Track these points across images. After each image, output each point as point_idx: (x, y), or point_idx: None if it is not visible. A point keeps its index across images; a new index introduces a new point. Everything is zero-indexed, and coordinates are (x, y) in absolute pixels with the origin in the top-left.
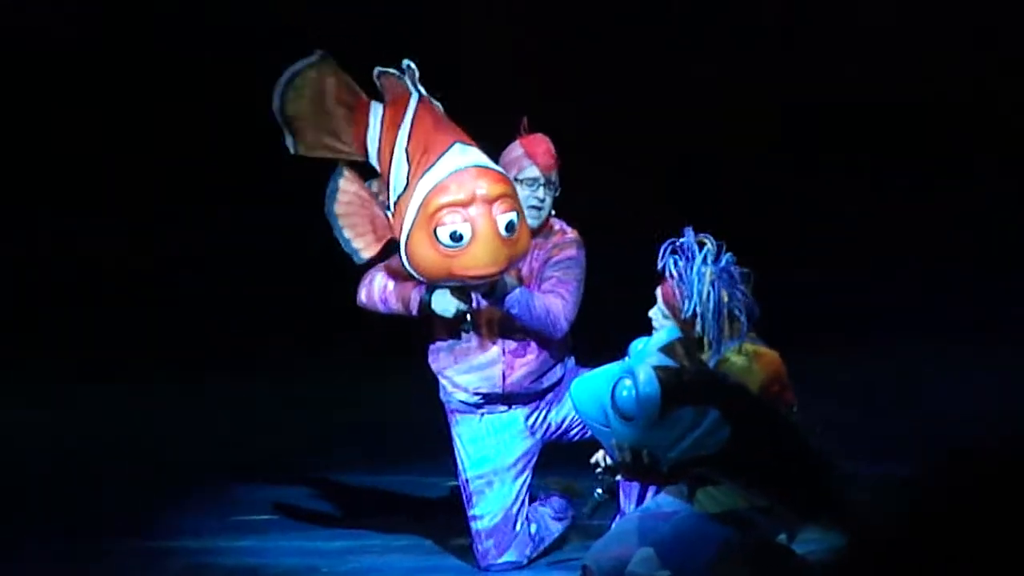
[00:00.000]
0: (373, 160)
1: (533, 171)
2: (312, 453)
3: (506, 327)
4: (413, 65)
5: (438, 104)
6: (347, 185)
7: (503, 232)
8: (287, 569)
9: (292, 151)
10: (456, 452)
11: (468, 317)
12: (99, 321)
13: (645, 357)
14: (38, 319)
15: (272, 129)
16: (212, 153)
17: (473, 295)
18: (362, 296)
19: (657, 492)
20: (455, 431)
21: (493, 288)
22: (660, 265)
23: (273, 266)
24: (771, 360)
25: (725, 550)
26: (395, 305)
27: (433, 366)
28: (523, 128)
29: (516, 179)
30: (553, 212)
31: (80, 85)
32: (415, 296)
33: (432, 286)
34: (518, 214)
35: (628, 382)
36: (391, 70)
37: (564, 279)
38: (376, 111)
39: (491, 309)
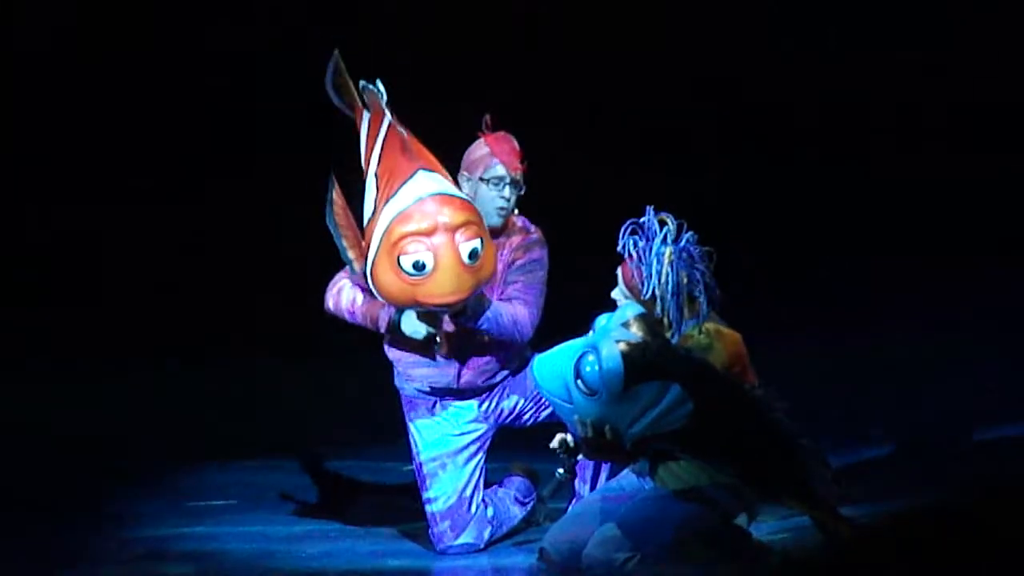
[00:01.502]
0: (362, 161)
1: (499, 170)
2: (268, 439)
3: (475, 341)
4: (382, 87)
5: (403, 130)
6: (338, 197)
7: (466, 260)
8: (245, 554)
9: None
10: (410, 436)
11: (438, 339)
12: (51, 308)
13: (608, 332)
14: None
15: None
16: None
17: (442, 316)
18: (329, 304)
19: (612, 474)
20: (409, 415)
21: (463, 308)
22: (620, 245)
23: (227, 255)
24: (733, 340)
25: (684, 531)
26: (361, 320)
27: (389, 355)
28: (486, 125)
29: (481, 179)
30: (516, 210)
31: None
32: (383, 316)
33: (400, 308)
34: (482, 240)
35: (591, 357)
36: (372, 87)
37: (529, 283)
38: (364, 119)
39: (460, 327)
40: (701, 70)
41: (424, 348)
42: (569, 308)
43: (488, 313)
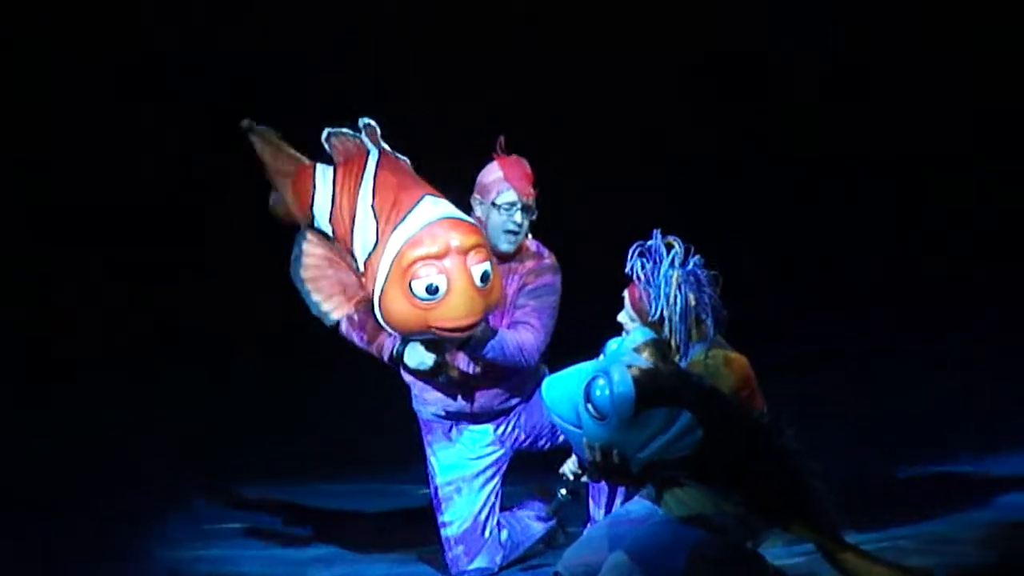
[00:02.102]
0: (321, 223)
1: (511, 195)
2: (285, 461)
3: (482, 369)
4: (372, 123)
5: (404, 159)
6: (312, 248)
7: (478, 283)
8: None
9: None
10: (427, 459)
11: (442, 369)
12: (63, 327)
13: (619, 357)
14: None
15: None
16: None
17: (446, 347)
18: (343, 326)
19: (627, 498)
20: (426, 439)
21: (467, 339)
22: (628, 267)
23: (240, 273)
24: (740, 364)
25: (695, 556)
26: (369, 346)
27: (405, 378)
28: (500, 147)
29: (493, 203)
30: (530, 235)
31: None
32: (388, 345)
33: (406, 339)
34: (491, 264)
35: (602, 381)
36: (343, 130)
37: (538, 308)
38: (324, 174)
39: (464, 357)
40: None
41: (430, 378)
42: (578, 331)
43: (493, 342)
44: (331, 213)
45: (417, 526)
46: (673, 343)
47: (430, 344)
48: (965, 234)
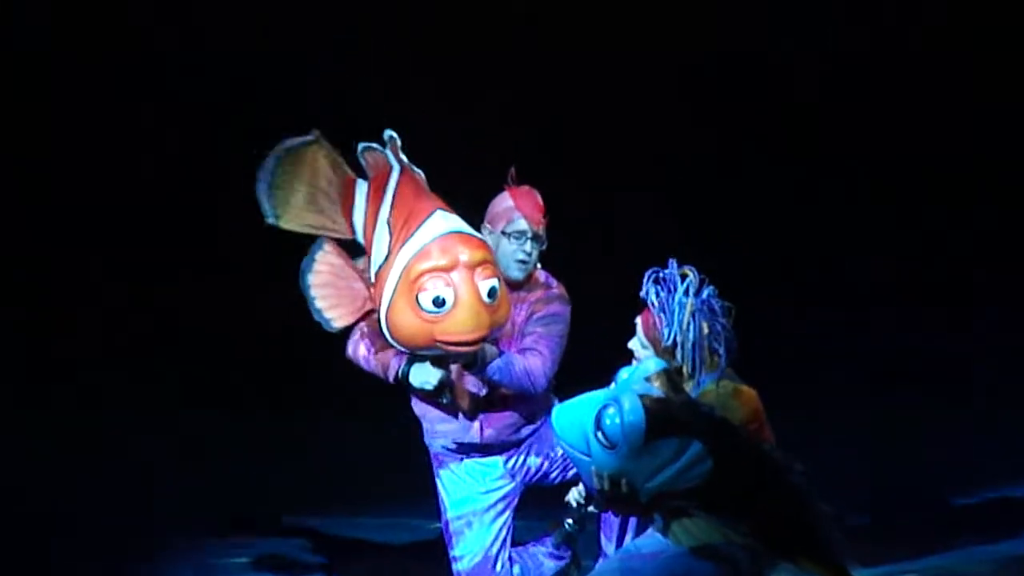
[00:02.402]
0: (360, 237)
1: (521, 224)
2: (295, 497)
3: (489, 393)
4: (395, 135)
5: (419, 173)
6: (327, 258)
7: (485, 298)
8: None
9: (271, 222)
10: (438, 493)
11: (448, 390)
12: (79, 369)
13: (631, 385)
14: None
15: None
16: None
17: (451, 367)
18: (349, 350)
19: (638, 532)
20: (437, 472)
21: (473, 359)
22: (643, 292)
23: (247, 308)
24: (750, 397)
25: None
26: (375, 367)
27: (416, 410)
28: (511, 178)
29: (503, 232)
30: (539, 265)
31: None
32: (394, 365)
33: (411, 359)
34: (499, 280)
35: (613, 409)
36: (374, 145)
37: (545, 335)
38: (362, 188)
39: (470, 379)
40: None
41: (434, 398)
42: (587, 360)
43: (498, 362)
44: (364, 226)
45: (429, 560)
46: (685, 371)
47: (435, 362)
48: (965, 234)
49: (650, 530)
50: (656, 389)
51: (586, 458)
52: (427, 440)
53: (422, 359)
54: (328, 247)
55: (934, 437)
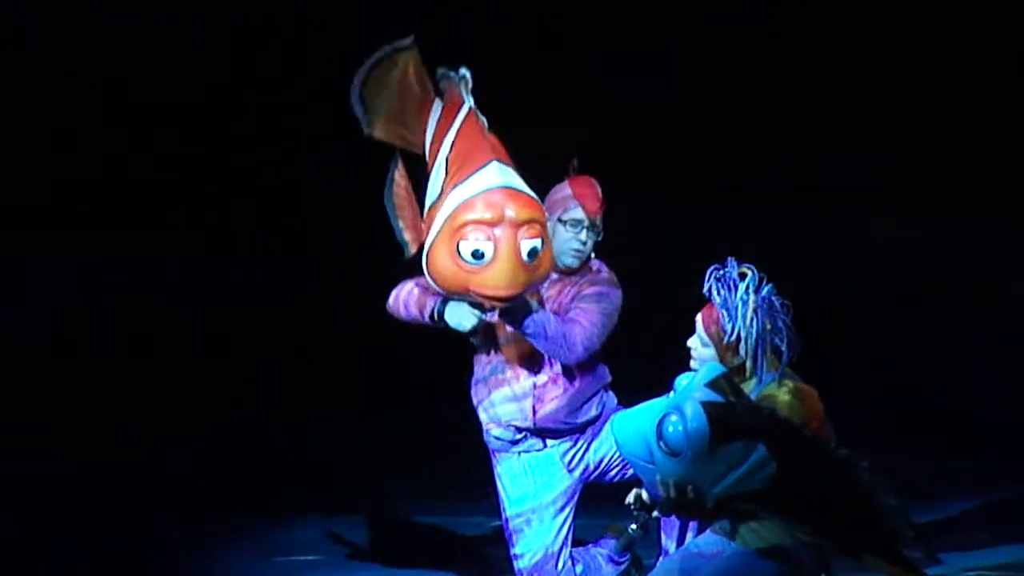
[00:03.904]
0: (426, 157)
1: (578, 213)
2: (357, 492)
3: (521, 346)
4: (468, 75)
5: (483, 120)
6: (399, 178)
7: (525, 257)
8: None
9: (366, 133)
10: (498, 491)
11: (479, 332)
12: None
13: (691, 392)
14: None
15: None
16: None
17: (488, 312)
18: (390, 300)
19: (699, 531)
20: (496, 470)
21: (510, 308)
22: (705, 288)
23: (317, 295)
24: (811, 397)
25: None
26: (413, 310)
27: (473, 399)
28: (572, 168)
29: (560, 219)
30: (594, 254)
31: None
32: (430, 303)
33: (448, 298)
34: (543, 242)
35: (675, 417)
36: (451, 74)
37: (588, 309)
38: (436, 110)
39: (504, 327)
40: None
41: (468, 339)
42: (645, 367)
43: (536, 317)
44: (428, 150)
45: (492, 558)
46: (748, 367)
47: (472, 305)
48: None
49: (710, 530)
50: (717, 395)
51: (650, 466)
52: (486, 437)
53: (458, 301)
54: (400, 168)
55: None
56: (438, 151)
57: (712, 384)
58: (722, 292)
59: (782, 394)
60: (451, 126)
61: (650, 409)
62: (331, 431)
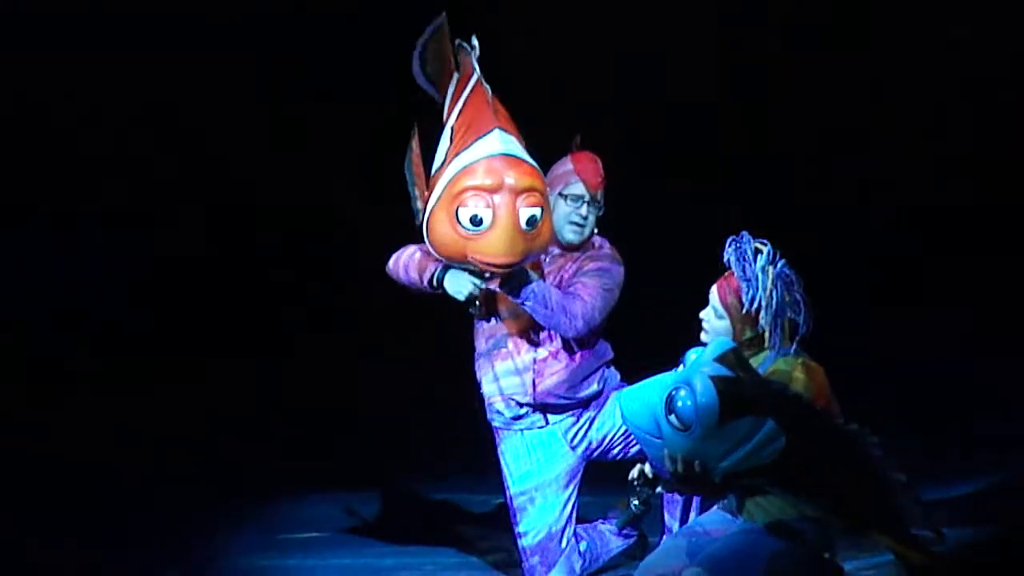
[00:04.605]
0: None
1: (579, 188)
2: (360, 470)
3: (519, 316)
4: (477, 44)
5: (488, 88)
6: (415, 147)
7: (524, 225)
8: None
9: (439, 103)
10: (501, 470)
11: (477, 302)
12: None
13: (700, 367)
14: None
15: None
16: None
17: (487, 282)
18: (389, 263)
19: (702, 510)
20: (499, 448)
21: (509, 277)
22: (724, 257)
23: (322, 274)
24: (818, 372)
25: (773, 566)
26: (413, 275)
27: (477, 374)
28: (574, 145)
29: (561, 194)
30: (596, 230)
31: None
32: (430, 268)
33: (448, 265)
34: (542, 210)
35: (684, 392)
36: (466, 45)
37: (588, 284)
38: (452, 82)
39: (506, 300)
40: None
41: (465, 308)
42: (652, 340)
43: (536, 287)
44: (444, 120)
45: (496, 536)
46: (766, 340)
47: (472, 273)
48: None
49: (715, 507)
50: (726, 369)
51: (657, 440)
52: (489, 415)
53: (458, 268)
54: (416, 137)
55: None
56: (446, 121)
57: (721, 359)
58: (740, 263)
59: (791, 369)
60: (461, 96)
61: (659, 383)
62: (331, 406)
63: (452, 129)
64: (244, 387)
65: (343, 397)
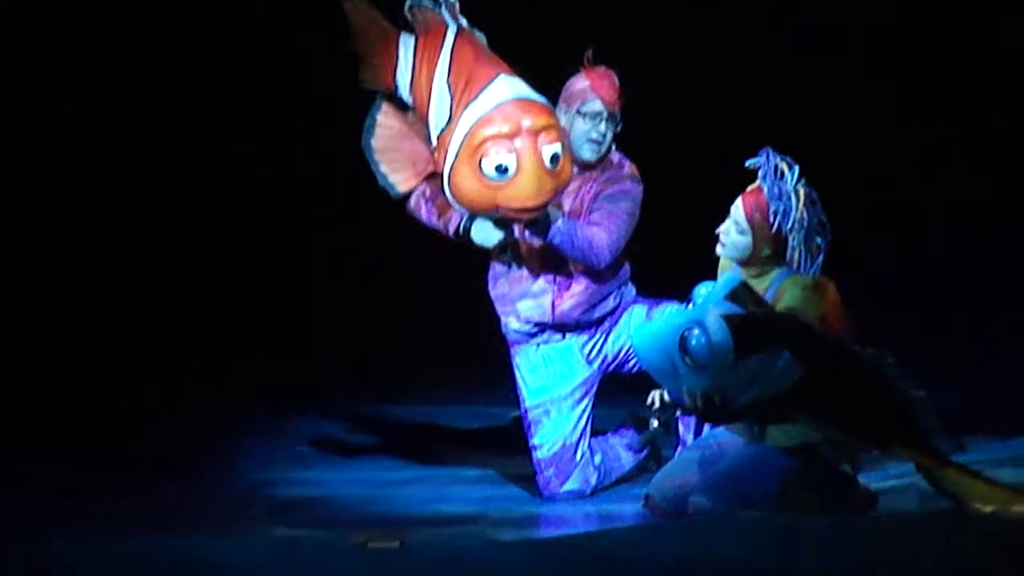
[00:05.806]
0: (403, 93)
1: (596, 105)
2: (378, 384)
3: (547, 257)
4: (455, 1)
5: (480, 35)
6: (386, 119)
7: (548, 164)
8: (351, 499)
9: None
10: (516, 383)
11: (507, 248)
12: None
13: (710, 304)
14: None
15: None
16: None
17: (514, 226)
18: (411, 202)
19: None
20: (515, 362)
21: (535, 220)
22: (760, 170)
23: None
24: (829, 286)
25: (789, 478)
26: (436, 221)
27: (491, 292)
28: (587, 59)
29: (578, 112)
30: (614, 146)
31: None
32: (455, 220)
33: (473, 215)
34: (562, 145)
35: (697, 331)
36: (424, 2)
37: (612, 211)
38: (407, 43)
39: (531, 240)
40: None
41: (495, 257)
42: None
43: (561, 226)
44: (411, 83)
45: (511, 449)
46: (790, 257)
47: (497, 221)
48: None
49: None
50: (737, 306)
51: (675, 378)
52: (504, 328)
53: (484, 218)
54: (386, 107)
55: None
56: (432, 79)
57: (732, 295)
58: (770, 180)
59: (801, 288)
60: (440, 51)
61: (670, 323)
62: (351, 321)
63: (448, 85)
64: (267, 304)
65: (362, 312)
